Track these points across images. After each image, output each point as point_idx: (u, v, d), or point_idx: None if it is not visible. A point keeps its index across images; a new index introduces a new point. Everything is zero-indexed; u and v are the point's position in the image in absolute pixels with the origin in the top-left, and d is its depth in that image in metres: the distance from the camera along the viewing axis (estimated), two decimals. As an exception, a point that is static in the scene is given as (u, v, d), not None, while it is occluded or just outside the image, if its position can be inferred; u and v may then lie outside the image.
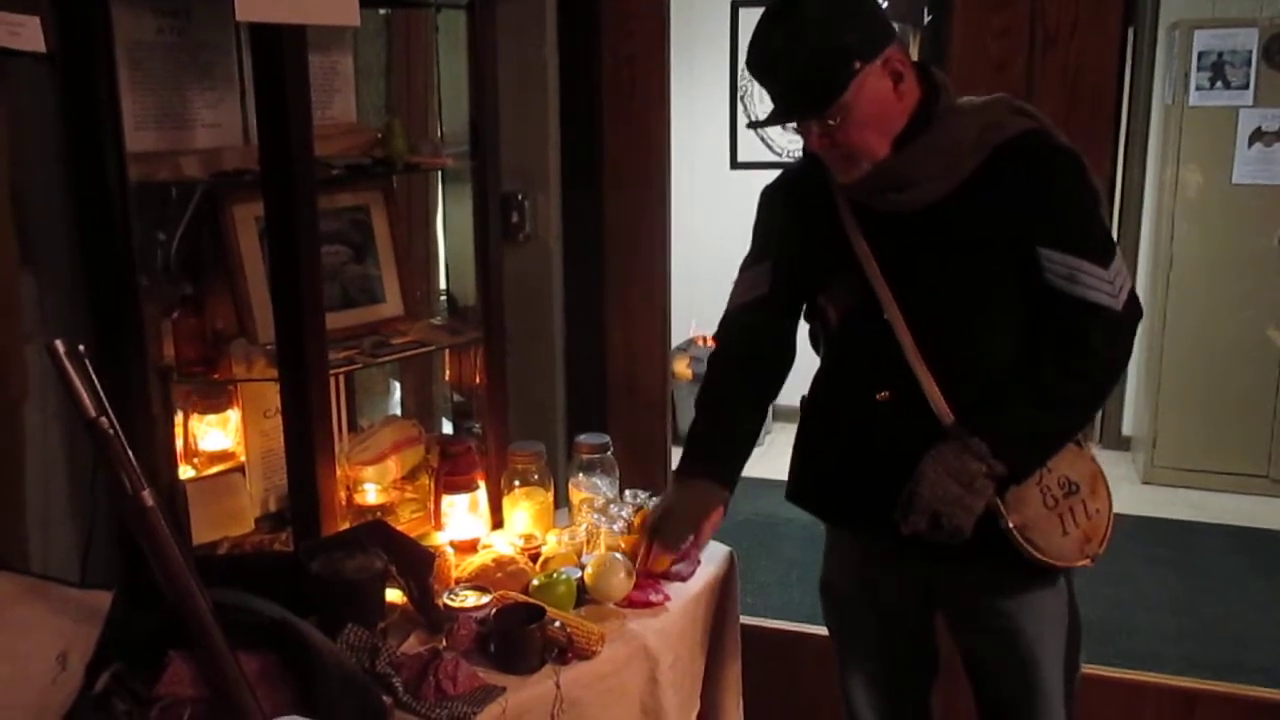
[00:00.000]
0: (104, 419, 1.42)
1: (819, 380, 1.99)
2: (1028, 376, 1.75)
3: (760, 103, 5.59)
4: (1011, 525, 1.74)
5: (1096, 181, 1.76)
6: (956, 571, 1.88)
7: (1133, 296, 1.76)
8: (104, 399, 1.42)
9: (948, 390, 1.76)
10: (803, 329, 2.05)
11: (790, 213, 1.96)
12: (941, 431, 1.75)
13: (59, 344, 1.39)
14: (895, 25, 5.18)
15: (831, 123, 1.69)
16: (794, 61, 1.67)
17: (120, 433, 1.43)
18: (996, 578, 1.85)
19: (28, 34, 1.63)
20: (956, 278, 1.77)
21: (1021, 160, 1.72)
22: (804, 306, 2.00)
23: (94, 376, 1.42)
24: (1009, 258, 1.74)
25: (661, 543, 2.03)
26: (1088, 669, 1.97)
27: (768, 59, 1.70)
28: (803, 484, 2.01)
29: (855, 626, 2.07)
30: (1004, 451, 1.71)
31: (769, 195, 2.01)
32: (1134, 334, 1.78)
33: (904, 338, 1.76)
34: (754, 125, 1.82)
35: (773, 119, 1.75)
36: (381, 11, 2.59)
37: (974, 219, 1.74)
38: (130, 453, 1.44)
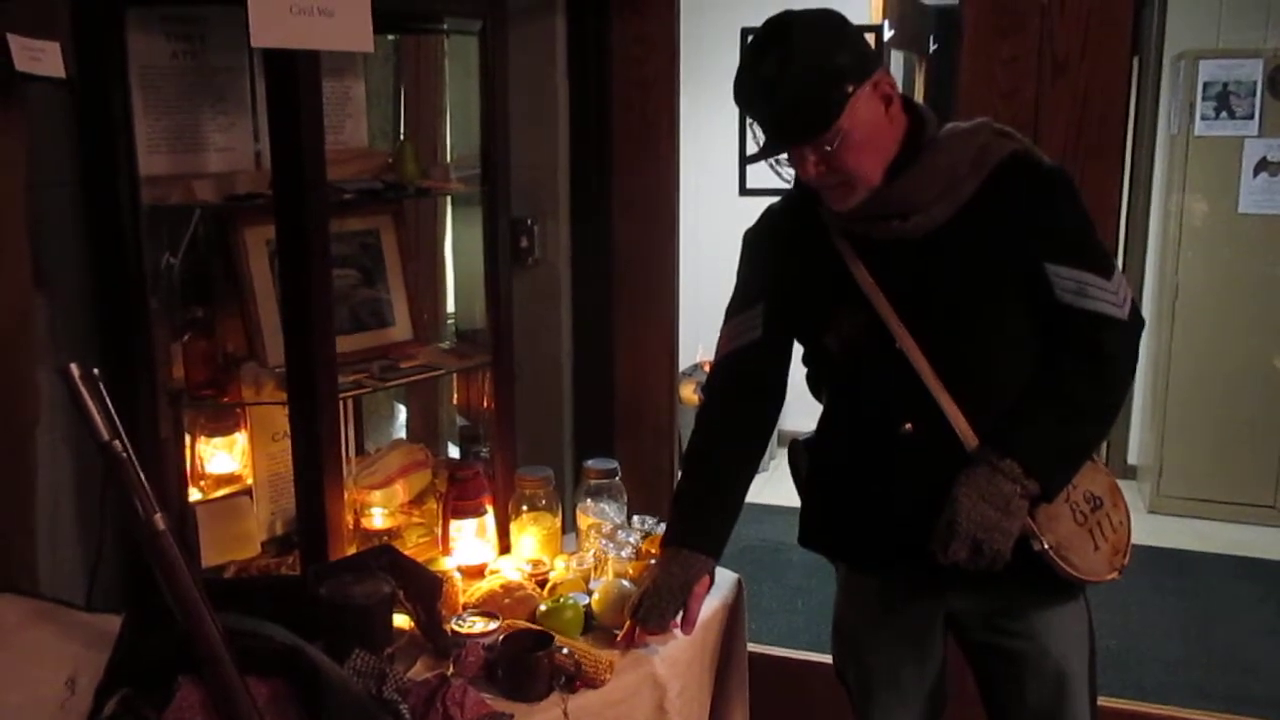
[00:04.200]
0: (117, 442, 1.41)
1: (828, 420, 1.96)
2: (1047, 392, 1.75)
3: (767, 129, 5.61)
4: (1047, 546, 1.72)
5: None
6: (979, 598, 1.86)
7: (1135, 305, 1.78)
8: (117, 422, 1.42)
9: (969, 414, 1.75)
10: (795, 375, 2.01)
11: (781, 251, 1.93)
12: (967, 457, 1.74)
13: (74, 367, 1.39)
14: (900, 53, 5.18)
15: (829, 148, 1.68)
16: (788, 87, 1.65)
17: (133, 456, 1.43)
18: (1021, 600, 1.83)
19: (48, 59, 1.64)
20: (966, 301, 1.76)
21: (1017, 180, 1.73)
22: (802, 349, 1.97)
23: (107, 400, 1.42)
24: (1015, 277, 1.74)
25: (646, 628, 1.96)
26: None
27: (760, 87, 1.68)
28: (821, 528, 1.96)
29: (873, 666, 2.01)
30: (1036, 470, 1.70)
31: (754, 236, 1.98)
32: (1139, 342, 1.81)
33: (921, 366, 1.75)
34: (751, 159, 1.77)
35: (769, 149, 1.73)
36: (391, 37, 2.60)
37: (978, 241, 1.73)
38: (142, 476, 1.44)
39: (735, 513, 1.99)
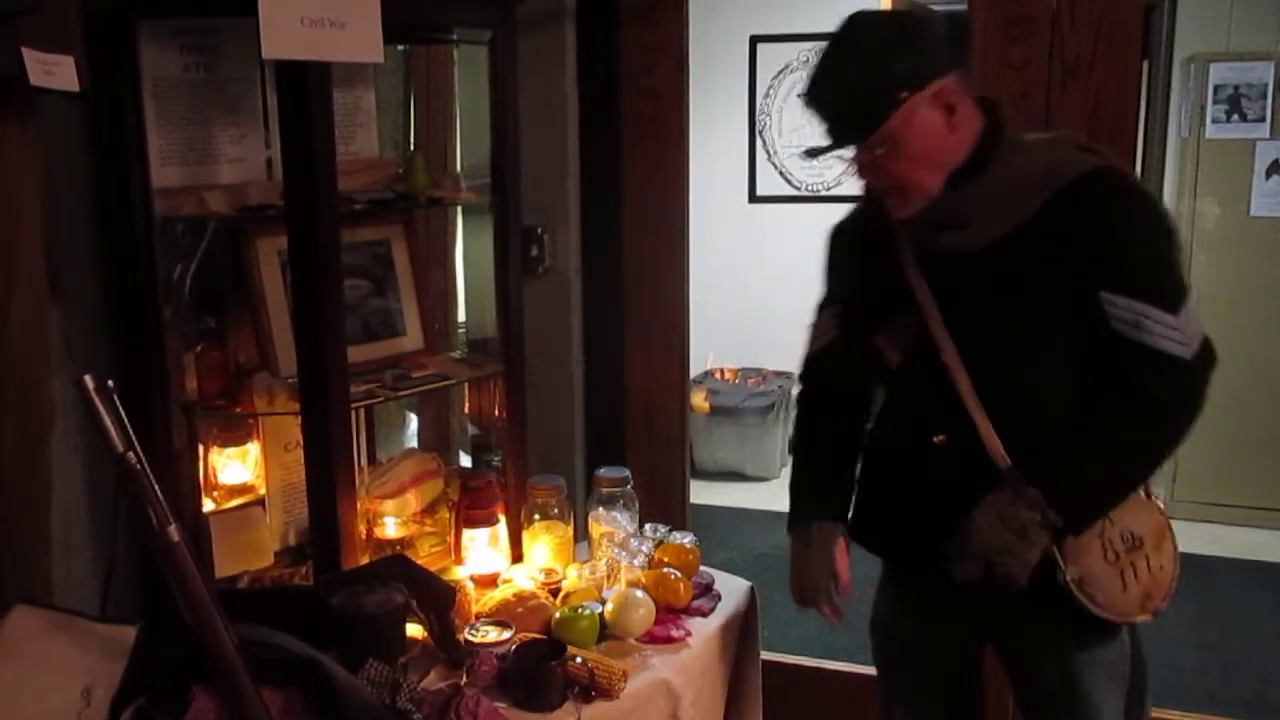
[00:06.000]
0: (131, 454, 1.42)
1: (879, 420, 1.96)
2: (1089, 425, 1.68)
3: (779, 136, 5.63)
4: (1069, 578, 1.69)
5: (1171, 222, 1.70)
6: (1012, 618, 1.83)
7: (1206, 345, 1.68)
8: (131, 434, 1.42)
9: (1005, 435, 1.71)
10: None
11: (851, 252, 1.95)
12: (996, 477, 1.71)
13: (88, 379, 1.39)
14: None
15: (879, 152, 1.67)
16: (839, 88, 1.66)
17: (147, 467, 1.44)
18: (1054, 626, 1.79)
19: (62, 73, 1.64)
20: (1015, 321, 1.71)
21: (1086, 200, 1.65)
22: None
23: (121, 411, 1.42)
24: (1071, 301, 1.67)
25: (820, 608, 1.95)
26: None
27: (816, 86, 1.69)
28: (862, 521, 1.97)
29: (903, 666, 2.03)
30: (1059, 500, 1.66)
31: (832, 235, 1.99)
32: (1205, 384, 1.68)
33: (960, 381, 1.72)
34: (809, 154, 1.75)
35: (820, 148, 1.73)
36: (401, 47, 2.61)
37: (1035, 260, 1.67)
38: (157, 487, 1.44)
39: (849, 485, 1.99)
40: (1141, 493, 1.77)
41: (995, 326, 1.72)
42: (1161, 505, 1.80)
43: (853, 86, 1.65)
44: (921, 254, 1.77)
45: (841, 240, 1.97)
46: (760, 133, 5.61)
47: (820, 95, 1.69)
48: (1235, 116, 4.62)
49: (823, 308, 2.00)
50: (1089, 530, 1.71)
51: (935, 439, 1.77)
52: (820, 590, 1.94)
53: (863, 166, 1.71)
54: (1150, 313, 1.63)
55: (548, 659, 1.88)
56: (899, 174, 1.69)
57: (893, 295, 1.80)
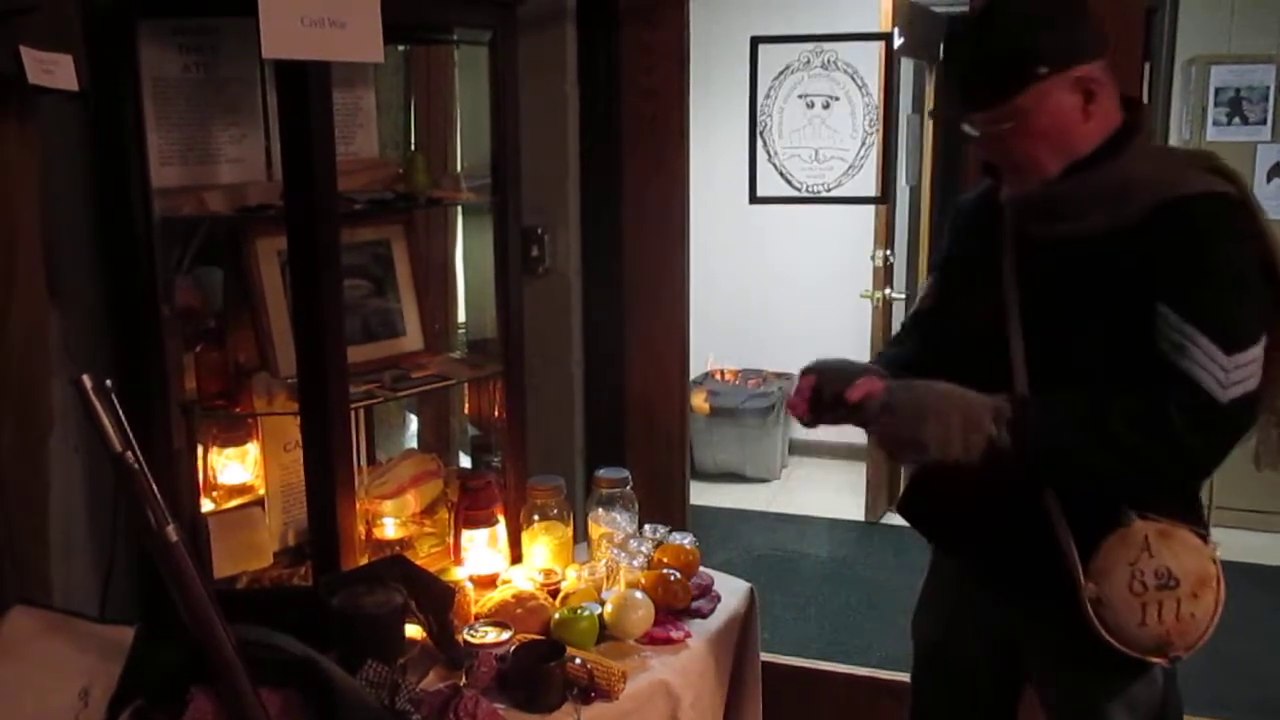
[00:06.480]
0: (129, 454, 1.42)
1: None
2: (1092, 403, 1.60)
3: (779, 137, 5.62)
4: (1087, 595, 1.64)
5: (1272, 265, 1.60)
6: (1040, 637, 1.82)
7: (1245, 399, 1.56)
8: (129, 433, 1.42)
9: None
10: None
11: (962, 228, 1.94)
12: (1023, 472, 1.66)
13: (86, 379, 1.39)
14: (911, 61, 5.13)
15: (1006, 125, 1.63)
16: (981, 52, 1.64)
17: (145, 468, 1.43)
18: (1080, 651, 1.72)
19: (61, 72, 1.64)
20: (1084, 325, 1.65)
21: (1183, 219, 1.58)
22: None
23: (119, 411, 1.42)
24: (1143, 320, 1.59)
25: (814, 374, 1.84)
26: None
27: (959, 46, 1.67)
28: (907, 496, 1.94)
29: (926, 667, 2.03)
30: (1019, 433, 1.60)
31: (953, 207, 2.00)
32: (1228, 437, 1.59)
33: (1018, 373, 1.68)
34: (932, 114, 1.77)
35: (947, 108, 1.72)
36: (401, 47, 2.61)
37: (1121, 268, 1.61)
38: (155, 487, 1.44)
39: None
40: (1195, 537, 1.68)
41: (1064, 325, 1.67)
42: (1218, 556, 1.69)
43: (994, 52, 1.62)
44: (1020, 241, 1.73)
45: (961, 209, 1.96)
46: (760, 133, 5.59)
47: (960, 56, 1.67)
48: (1236, 119, 4.63)
49: (934, 270, 2.02)
50: (1110, 558, 1.64)
51: None
52: (818, 380, 1.83)
53: (985, 138, 1.67)
54: (1199, 340, 1.55)
55: (547, 660, 1.88)
56: (1020, 151, 1.66)
57: (983, 276, 1.77)
